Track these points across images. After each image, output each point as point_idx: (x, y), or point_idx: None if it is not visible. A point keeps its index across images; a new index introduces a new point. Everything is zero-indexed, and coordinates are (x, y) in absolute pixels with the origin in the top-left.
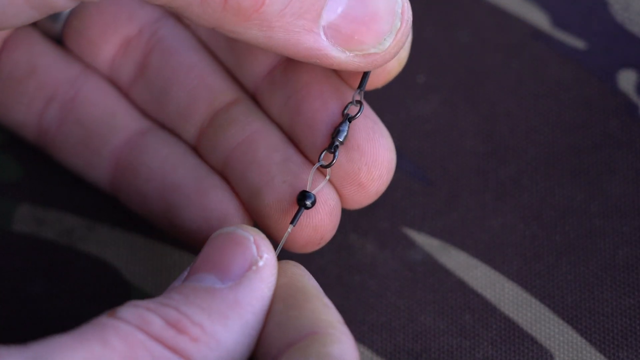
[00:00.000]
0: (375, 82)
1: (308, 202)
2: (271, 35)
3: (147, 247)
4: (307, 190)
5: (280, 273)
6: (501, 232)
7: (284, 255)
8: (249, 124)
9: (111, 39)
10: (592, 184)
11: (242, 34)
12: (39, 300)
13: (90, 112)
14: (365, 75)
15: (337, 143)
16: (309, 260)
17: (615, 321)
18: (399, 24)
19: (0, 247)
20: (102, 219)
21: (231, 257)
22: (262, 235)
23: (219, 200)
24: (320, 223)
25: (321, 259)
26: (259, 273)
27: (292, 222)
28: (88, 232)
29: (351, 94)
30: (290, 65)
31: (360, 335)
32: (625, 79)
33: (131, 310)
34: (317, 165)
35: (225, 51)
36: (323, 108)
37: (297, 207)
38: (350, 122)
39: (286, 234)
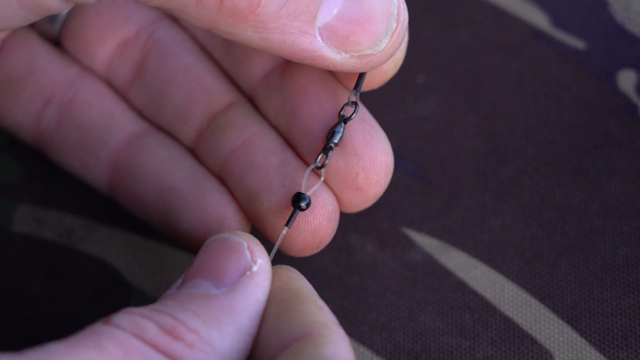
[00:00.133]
0: (372, 83)
1: (303, 204)
2: (267, 37)
3: (147, 247)
4: (302, 192)
5: (274, 277)
6: (501, 232)
7: (283, 258)
8: (246, 127)
9: (108, 41)
10: (592, 184)
11: (238, 36)
12: (39, 300)
13: (87, 114)
14: (361, 76)
15: (332, 145)
16: (309, 261)
17: (615, 321)
18: (395, 24)
19: (0, 248)
20: (102, 219)
21: (225, 263)
22: (256, 241)
23: (216, 204)
24: (319, 227)
25: (321, 259)
26: (253, 278)
27: (287, 224)
28: (88, 232)
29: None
30: (287, 68)
31: (360, 335)
32: (625, 79)
33: (126, 317)
34: (312, 167)
35: (222, 53)
36: (320, 112)
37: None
38: (345, 123)
39: (281, 236)
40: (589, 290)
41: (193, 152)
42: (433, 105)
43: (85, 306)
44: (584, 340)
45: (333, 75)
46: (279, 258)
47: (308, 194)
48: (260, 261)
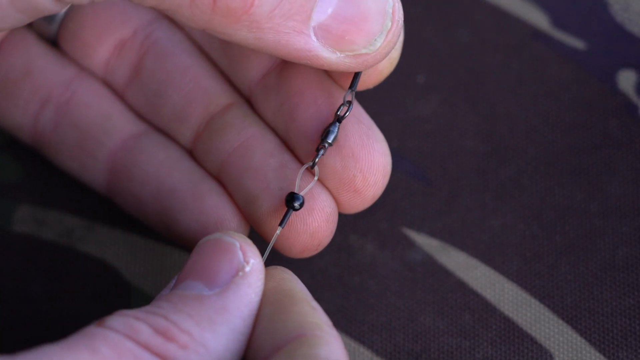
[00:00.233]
0: (367, 82)
1: (296, 204)
2: (261, 37)
3: (147, 247)
4: (295, 192)
5: (268, 278)
6: (501, 232)
7: (281, 260)
8: (244, 129)
9: (106, 41)
10: (592, 184)
11: (233, 36)
12: (39, 300)
13: (85, 114)
14: (357, 75)
15: (325, 144)
16: (308, 261)
17: (614, 321)
18: (390, 24)
19: (0, 248)
20: (102, 219)
21: (218, 264)
22: (249, 242)
23: (214, 205)
24: (317, 229)
25: (321, 259)
26: (246, 279)
27: (280, 224)
28: (88, 232)
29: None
30: (284, 69)
31: (360, 336)
32: (625, 79)
33: (119, 319)
34: (305, 166)
35: (219, 54)
36: (316, 113)
37: (293, 212)
38: (340, 122)
39: (275, 236)
40: (589, 290)
41: (191, 153)
42: (433, 105)
43: (85, 306)
44: (583, 340)
45: (329, 75)
46: (279, 259)
47: (302, 193)
48: (253, 261)
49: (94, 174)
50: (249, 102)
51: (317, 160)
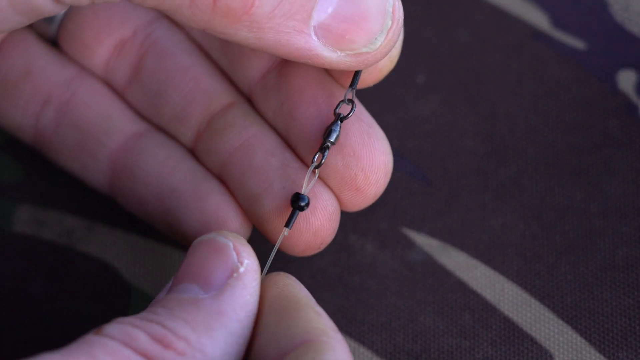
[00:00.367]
0: (367, 80)
1: (302, 204)
2: (261, 37)
3: (147, 247)
4: (300, 192)
5: (271, 285)
6: (501, 232)
7: (283, 258)
8: (245, 129)
9: (105, 41)
10: (591, 184)
11: (233, 36)
12: (39, 300)
13: (85, 114)
14: (357, 74)
15: (328, 144)
16: (309, 261)
17: (614, 321)
18: (390, 22)
19: (0, 248)
20: (102, 219)
21: (212, 266)
22: (242, 241)
23: (217, 205)
24: (320, 228)
25: (321, 259)
26: (240, 280)
27: (287, 225)
28: (88, 232)
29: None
30: (284, 68)
31: (360, 336)
32: (625, 79)
33: (117, 327)
34: (312, 167)
35: (219, 53)
36: (317, 113)
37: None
38: (341, 121)
39: (281, 237)
40: (589, 290)
41: (192, 152)
42: (433, 105)
43: (85, 306)
44: (583, 340)
45: (329, 74)
46: (281, 257)
47: (305, 192)
48: (247, 262)
49: (95, 174)
50: (250, 101)
51: (323, 161)
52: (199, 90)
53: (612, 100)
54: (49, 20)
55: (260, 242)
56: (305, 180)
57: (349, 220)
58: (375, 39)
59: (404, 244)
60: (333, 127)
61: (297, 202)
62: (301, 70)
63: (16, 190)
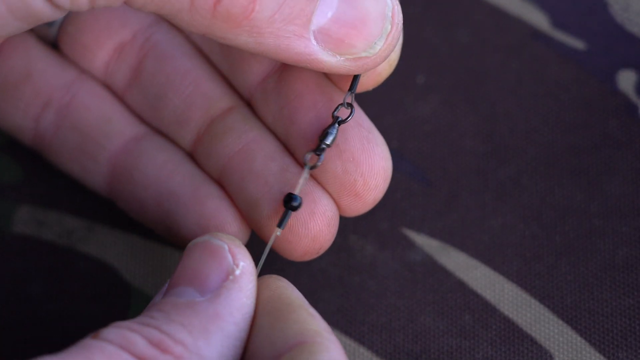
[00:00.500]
0: (366, 84)
1: (295, 204)
2: (261, 41)
3: (147, 248)
4: (293, 193)
5: (263, 287)
6: (501, 232)
7: (281, 261)
8: (245, 133)
9: (105, 44)
10: (591, 184)
11: (233, 40)
12: (39, 301)
13: (85, 117)
14: (356, 78)
15: (324, 146)
16: (309, 262)
17: (614, 321)
18: (390, 27)
19: (0, 248)
20: (102, 220)
21: (208, 268)
22: (238, 243)
23: (216, 209)
24: (319, 234)
25: (321, 260)
26: (236, 282)
27: (279, 225)
28: (88, 233)
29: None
30: (284, 73)
31: (360, 336)
32: (625, 80)
33: (114, 331)
34: (307, 168)
35: (219, 57)
36: (316, 118)
37: (295, 216)
38: (339, 125)
39: (273, 237)
40: (589, 291)
41: (191, 156)
42: (433, 105)
43: (85, 307)
44: (583, 341)
45: (329, 78)
46: (280, 257)
47: (296, 192)
48: (243, 264)
49: (95, 177)
50: (249, 106)
51: (319, 164)
52: (198, 94)
53: (612, 100)
54: (49, 23)
55: (258, 246)
56: (301, 180)
57: (349, 221)
58: (375, 43)
59: (404, 244)
60: (329, 130)
61: (290, 203)
62: (301, 74)
63: (16, 191)
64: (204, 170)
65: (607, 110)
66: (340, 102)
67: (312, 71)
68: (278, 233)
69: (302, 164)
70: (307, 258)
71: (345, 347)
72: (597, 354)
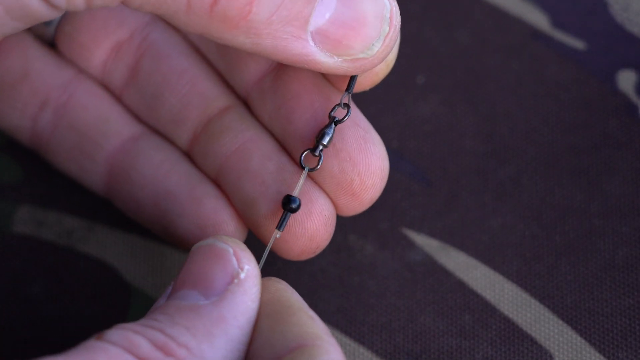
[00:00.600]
0: (363, 84)
1: (293, 206)
2: (259, 42)
3: (147, 247)
4: (292, 194)
5: (263, 290)
6: (501, 232)
7: (282, 262)
8: (242, 132)
9: (102, 44)
10: (591, 184)
11: (230, 41)
12: (39, 301)
13: (83, 117)
14: (353, 78)
15: (321, 146)
16: (308, 262)
17: (614, 321)
18: (388, 29)
19: (0, 248)
20: (102, 220)
21: (212, 272)
22: (242, 246)
23: (212, 208)
24: (316, 233)
25: (321, 259)
26: (241, 286)
27: (278, 227)
28: (88, 233)
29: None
30: (280, 72)
31: (360, 336)
32: (625, 80)
33: (118, 333)
34: (307, 170)
35: (216, 56)
36: (313, 118)
37: (292, 215)
38: (336, 125)
39: (272, 239)
40: (589, 291)
41: (188, 155)
42: (433, 105)
43: (85, 306)
44: (583, 341)
45: (326, 78)
46: (277, 261)
47: (294, 194)
48: (247, 267)
49: (92, 177)
50: (246, 105)
51: (318, 167)
52: (195, 93)
53: (612, 100)
54: (47, 22)
55: (255, 245)
56: (301, 181)
57: (348, 220)
58: (373, 44)
59: (403, 244)
60: (326, 130)
61: (288, 204)
62: (298, 74)
63: (16, 191)
64: (201, 170)
65: (607, 110)
66: (337, 102)
67: (309, 70)
68: (277, 235)
69: (298, 164)
70: (304, 257)
71: (345, 347)
72: (597, 354)
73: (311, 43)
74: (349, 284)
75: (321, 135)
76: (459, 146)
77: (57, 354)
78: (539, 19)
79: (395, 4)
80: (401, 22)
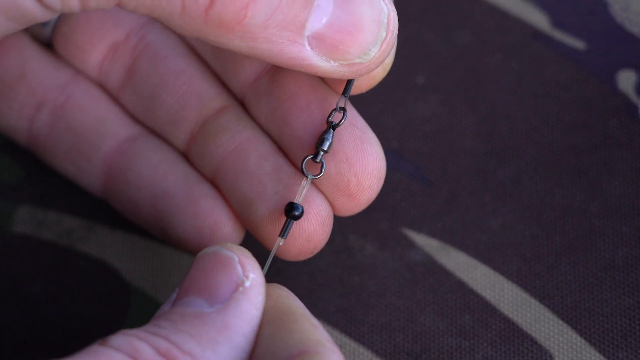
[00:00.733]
0: (360, 87)
1: (296, 213)
2: (255, 46)
3: (147, 247)
4: (294, 201)
5: (265, 297)
6: (501, 232)
7: (282, 263)
8: (238, 133)
9: (99, 44)
10: (591, 184)
11: (226, 44)
12: (39, 301)
13: (80, 118)
14: (350, 82)
15: (321, 151)
16: (308, 262)
17: (614, 321)
18: (385, 34)
19: (0, 248)
20: (102, 220)
21: (217, 279)
22: (247, 254)
23: (209, 209)
24: (313, 234)
25: (321, 260)
26: (246, 294)
27: (281, 235)
28: (88, 233)
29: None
30: (276, 74)
31: (360, 336)
32: (625, 80)
33: (122, 339)
34: (311, 178)
35: (212, 56)
36: (309, 119)
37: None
38: (334, 129)
39: (275, 247)
40: (589, 291)
41: (185, 156)
42: (433, 105)
43: (85, 307)
44: (583, 341)
45: (322, 79)
46: (277, 262)
47: (298, 201)
48: (253, 275)
49: (89, 178)
50: (243, 105)
51: (321, 173)
52: (192, 94)
53: (612, 100)
54: (44, 23)
55: (253, 246)
56: (305, 189)
57: (348, 220)
58: (369, 49)
59: (403, 244)
60: (325, 136)
61: (292, 212)
62: (294, 75)
63: (16, 190)
64: (198, 171)
65: (607, 110)
66: (333, 103)
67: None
68: (281, 243)
69: (295, 164)
70: (302, 258)
71: (345, 347)
72: (597, 354)
73: (307, 47)
74: (349, 284)
75: (320, 141)
76: (459, 146)
77: (60, 357)
78: (539, 19)
79: (393, 8)
80: (400, 23)
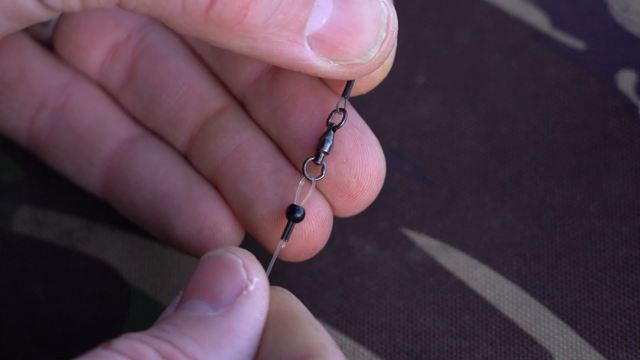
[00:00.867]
0: (360, 88)
1: (298, 215)
2: (255, 46)
3: (147, 248)
4: (296, 203)
5: (269, 301)
6: (501, 232)
7: (282, 263)
8: (238, 133)
9: (99, 45)
10: (591, 184)
11: (226, 44)
12: (39, 301)
13: (80, 118)
14: (350, 83)
15: (322, 153)
16: (308, 262)
17: (614, 321)
18: (384, 34)
19: (0, 249)
20: (102, 220)
21: (221, 283)
22: (252, 257)
23: (209, 210)
24: (313, 235)
25: (321, 260)
26: (250, 298)
27: (283, 237)
28: (88, 233)
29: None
30: (276, 74)
31: (360, 336)
32: (625, 80)
33: (126, 342)
34: (316, 180)
35: (212, 57)
36: (309, 121)
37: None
38: (334, 131)
39: (277, 249)
40: (589, 291)
41: (186, 157)
42: (433, 105)
43: (85, 307)
44: (583, 341)
45: (322, 80)
46: (277, 262)
47: (301, 204)
48: (257, 279)
49: (89, 178)
50: (243, 106)
51: (323, 175)
52: (192, 94)
53: (612, 100)
54: (44, 22)
55: (253, 247)
56: (302, 193)
57: (349, 221)
58: (369, 50)
59: (403, 244)
60: (326, 138)
61: (293, 214)
62: (294, 76)
63: (16, 191)
64: (198, 171)
65: (607, 110)
66: (333, 104)
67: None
68: (283, 245)
69: (295, 165)
70: (302, 259)
71: (345, 347)
72: (597, 354)
73: (307, 48)
74: (349, 284)
75: (321, 143)
76: (459, 146)
77: (61, 358)
78: (539, 19)
79: (393, 9)
80: (400, 23)
